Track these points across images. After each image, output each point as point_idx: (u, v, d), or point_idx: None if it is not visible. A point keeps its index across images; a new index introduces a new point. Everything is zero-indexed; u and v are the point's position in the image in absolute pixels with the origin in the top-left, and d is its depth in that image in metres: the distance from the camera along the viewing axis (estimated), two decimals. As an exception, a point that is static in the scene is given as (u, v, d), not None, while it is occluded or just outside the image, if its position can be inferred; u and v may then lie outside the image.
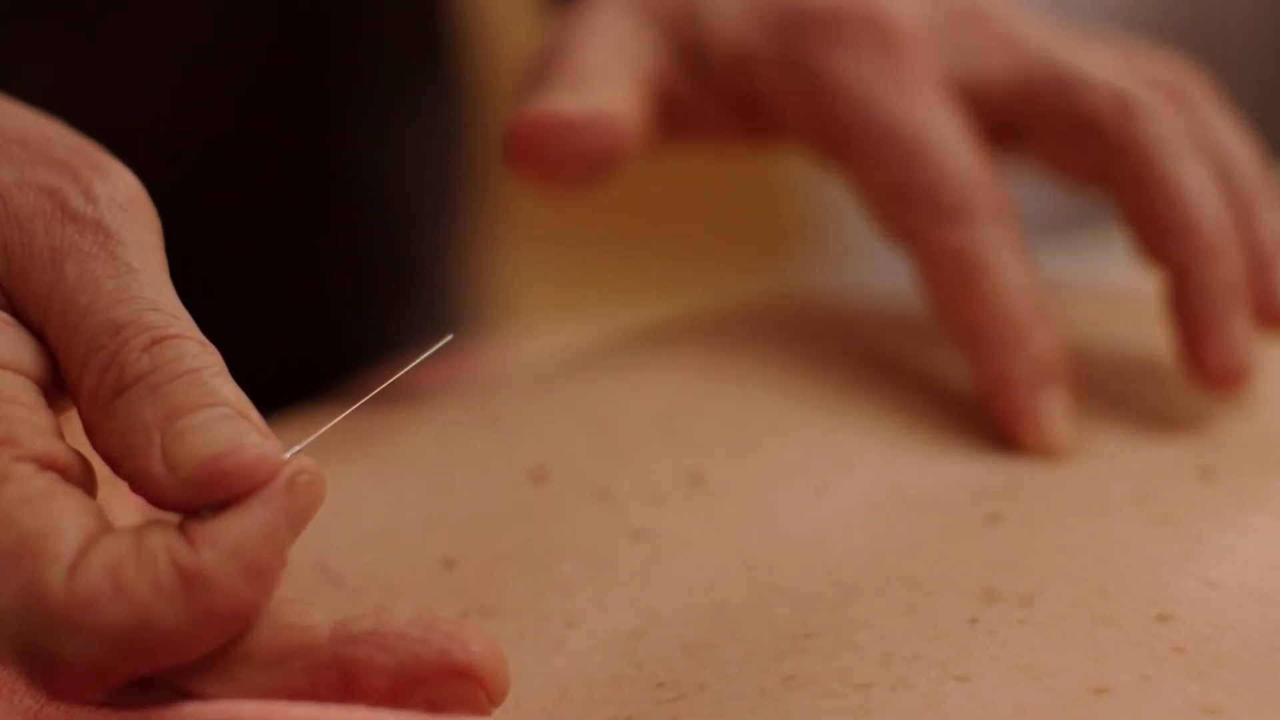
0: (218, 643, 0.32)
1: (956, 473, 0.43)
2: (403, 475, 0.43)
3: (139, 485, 0.33)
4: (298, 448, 0.34)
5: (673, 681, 0.36)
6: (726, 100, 0.49)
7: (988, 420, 0.45)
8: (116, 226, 0.35)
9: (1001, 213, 0.45)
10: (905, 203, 0.46)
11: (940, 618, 0.36)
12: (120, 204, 0.35)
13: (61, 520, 0.32)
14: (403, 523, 0.42)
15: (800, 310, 0.52)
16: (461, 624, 0.33)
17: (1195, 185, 0.46)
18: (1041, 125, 0.48)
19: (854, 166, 0.47)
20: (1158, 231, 0.46)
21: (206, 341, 0.34)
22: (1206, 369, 0.45)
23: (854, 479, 0.42)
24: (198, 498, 0.32)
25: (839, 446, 0.42)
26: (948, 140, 0.46)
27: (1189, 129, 0.47)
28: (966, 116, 0.47)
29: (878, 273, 0.56)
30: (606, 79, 0.47)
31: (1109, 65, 0.48)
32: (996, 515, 0.40)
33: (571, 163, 0.46)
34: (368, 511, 0.42)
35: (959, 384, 0.46)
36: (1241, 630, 0.36)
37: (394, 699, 0.33)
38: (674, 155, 0.52)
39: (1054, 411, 0.44)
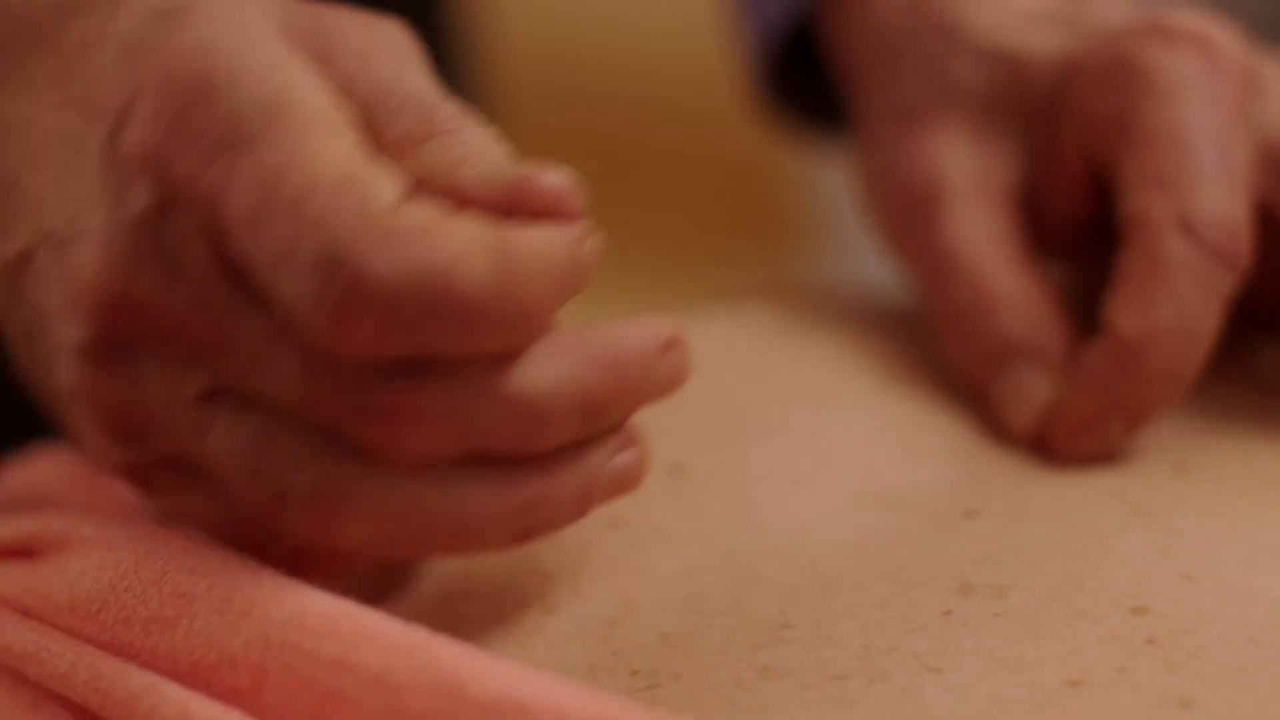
0: (501, 336, 0.34)
1: (936, 468, 0.43)
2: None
3: (450, 193, 0.35)
4: None
5: (649, 670, 0.36)
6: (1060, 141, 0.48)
7: (968, 416, 0.45)
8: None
9: (1231, 259, 0.43)
10: (1159, 191, 0.44)
11: (918, 611, 0.36)
12: None
13: (383, 174, 0.34)
14: None
15: (784, 304, 0.52)
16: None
17: None
18: None
19: (1124, 152, 0.45)
20: None
21: None
22: None
23: (835, 473, 0.42)
24: (505, 204, 0.35)
25: (821, 440, 0.42)
26: (1230, 163, 0.44)
27: None
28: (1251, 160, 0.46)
29: (873, 269, 0.56)
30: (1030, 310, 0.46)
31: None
32: (974, 510, 0.40)
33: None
34: None
35: (941, 380, 0.47)
36: (1218, 624, 0.36)
37: None
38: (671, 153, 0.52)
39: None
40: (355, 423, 0.34)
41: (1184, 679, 0.34)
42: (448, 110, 0.36)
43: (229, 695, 0.33)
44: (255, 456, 0.35)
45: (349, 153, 0.34)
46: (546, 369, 0.35)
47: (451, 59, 0.79)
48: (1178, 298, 0.43)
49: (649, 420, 0.42)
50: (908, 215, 0.48)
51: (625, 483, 0.37)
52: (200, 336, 0.35)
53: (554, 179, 0.35)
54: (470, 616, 0.38)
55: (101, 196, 0.36)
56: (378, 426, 0.34)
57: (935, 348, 0.47)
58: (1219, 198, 0.44)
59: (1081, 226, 0.48)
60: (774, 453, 0.43)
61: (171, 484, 0.37)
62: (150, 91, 0.35)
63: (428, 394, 0.34)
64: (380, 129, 0.36)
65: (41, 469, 0.47)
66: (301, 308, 0.33)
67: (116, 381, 0.36)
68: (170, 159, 0.34)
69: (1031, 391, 0.44)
